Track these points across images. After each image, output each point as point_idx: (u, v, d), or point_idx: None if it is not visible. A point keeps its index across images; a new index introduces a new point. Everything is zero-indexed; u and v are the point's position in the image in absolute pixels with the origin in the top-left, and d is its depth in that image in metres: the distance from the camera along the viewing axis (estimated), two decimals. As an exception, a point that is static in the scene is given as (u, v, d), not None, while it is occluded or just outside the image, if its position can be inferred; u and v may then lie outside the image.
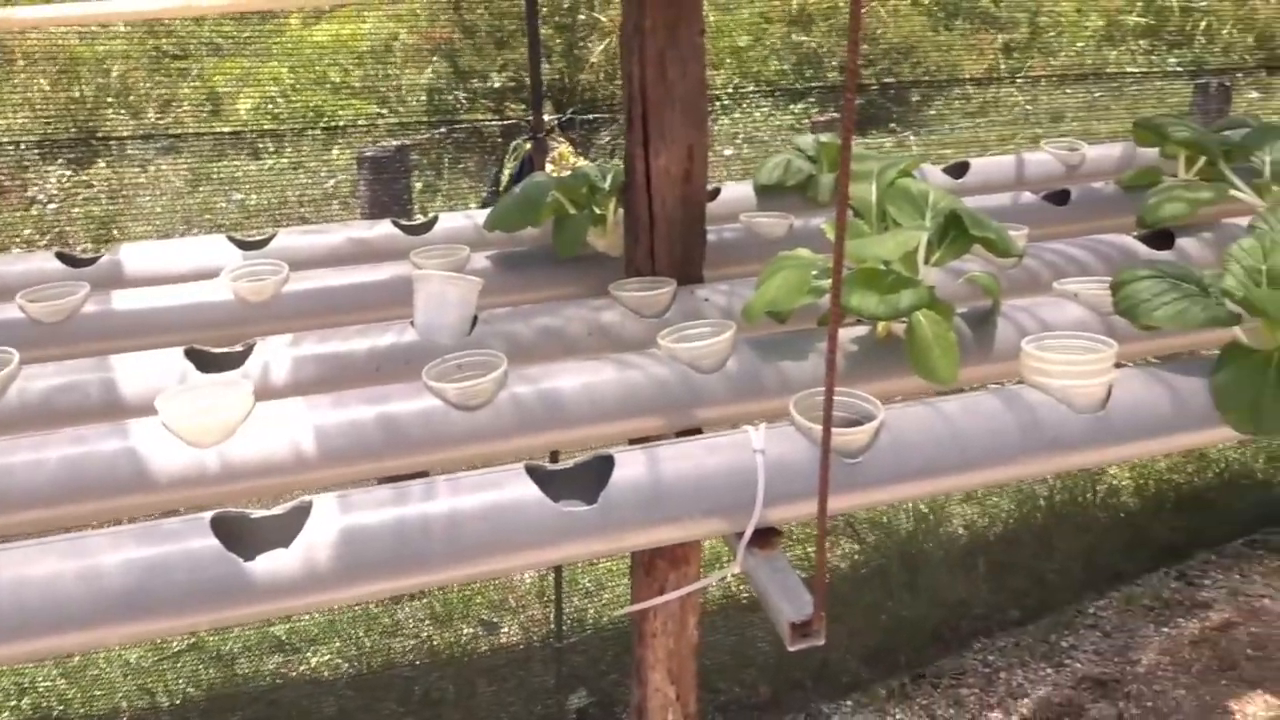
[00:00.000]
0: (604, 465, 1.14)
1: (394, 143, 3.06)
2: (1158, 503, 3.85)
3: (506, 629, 3.44)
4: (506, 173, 2.75)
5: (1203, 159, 2.08)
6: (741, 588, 3.64)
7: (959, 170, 2.43)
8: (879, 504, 1.17)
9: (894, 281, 1.30)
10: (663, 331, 1.45)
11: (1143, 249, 1.83)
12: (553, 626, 3.19)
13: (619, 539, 1.13)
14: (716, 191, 2.28)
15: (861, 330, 1.47)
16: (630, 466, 1.14)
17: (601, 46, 6.57)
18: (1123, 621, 3.39)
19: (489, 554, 1.07)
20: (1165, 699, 3.05)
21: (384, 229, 2.08)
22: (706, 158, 1.68)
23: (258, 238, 2.01)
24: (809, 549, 3.70)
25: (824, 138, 2.34)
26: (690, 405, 1.39)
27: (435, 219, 2.12)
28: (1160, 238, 1.87)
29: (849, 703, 3.19)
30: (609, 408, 1.35)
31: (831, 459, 1.16)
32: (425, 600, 3.45)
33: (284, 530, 1.04)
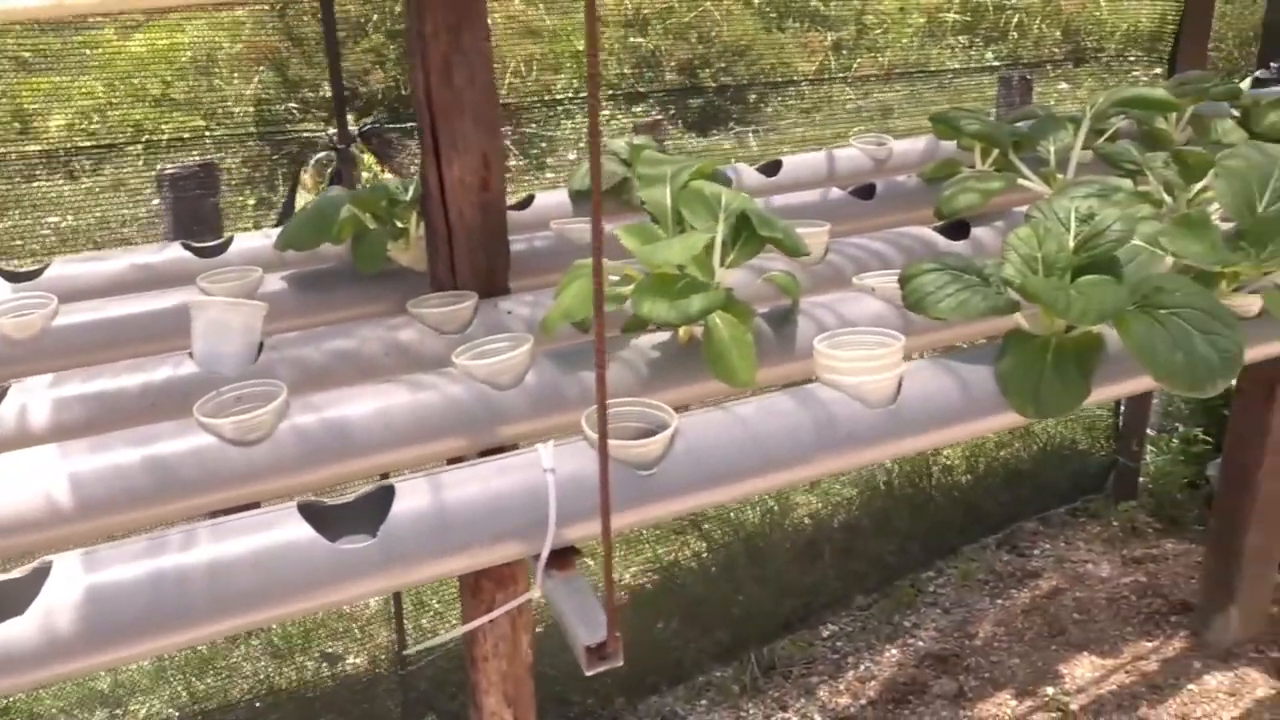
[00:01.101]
0: (384, 496, 1.08)
1: (197, 159, 2.90)
2: (989, 478, 4.02)
3: (352, 658, 3.31)
4: (306, 188, 2.63)
5: (996, 150, 2.16)
6: (595, 592, 3.61)
7: (772, 169, 2.45)
8: (677, 514, 1.15)
9: (685, 286, 1.28)
10: (459, 349, 1.39)
11: (941, 240, 1.88)
12: (399, 652, 3.08)
13: (405, 574, 1.07)
14: (530, 199, 2.23)
15: (663, 336, 1.45)
16: (412, 496, 1.08)
17: None
18: (960, 597, 3.51)
19: (259, 603, 1.00)
20: (1001, 668, 3.17)
21: (173, 252, 1.95)
22: (503, 165, 1.63)
23: (29, 269, 1.86)
24: (658, 550, 3.71)
25: (637, 140, 2.33)
26: (490, 424, 1.34)
27: (230, 240, 2.01)
28: (956, 228, 1.93)
29: (704, 702, 3.20)
30: (403, 432, 1.29)
31: (625, 472, 1.13)
32: (264, 636, 3.29)
33: (19, 596, 0.94)
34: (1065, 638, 3.27)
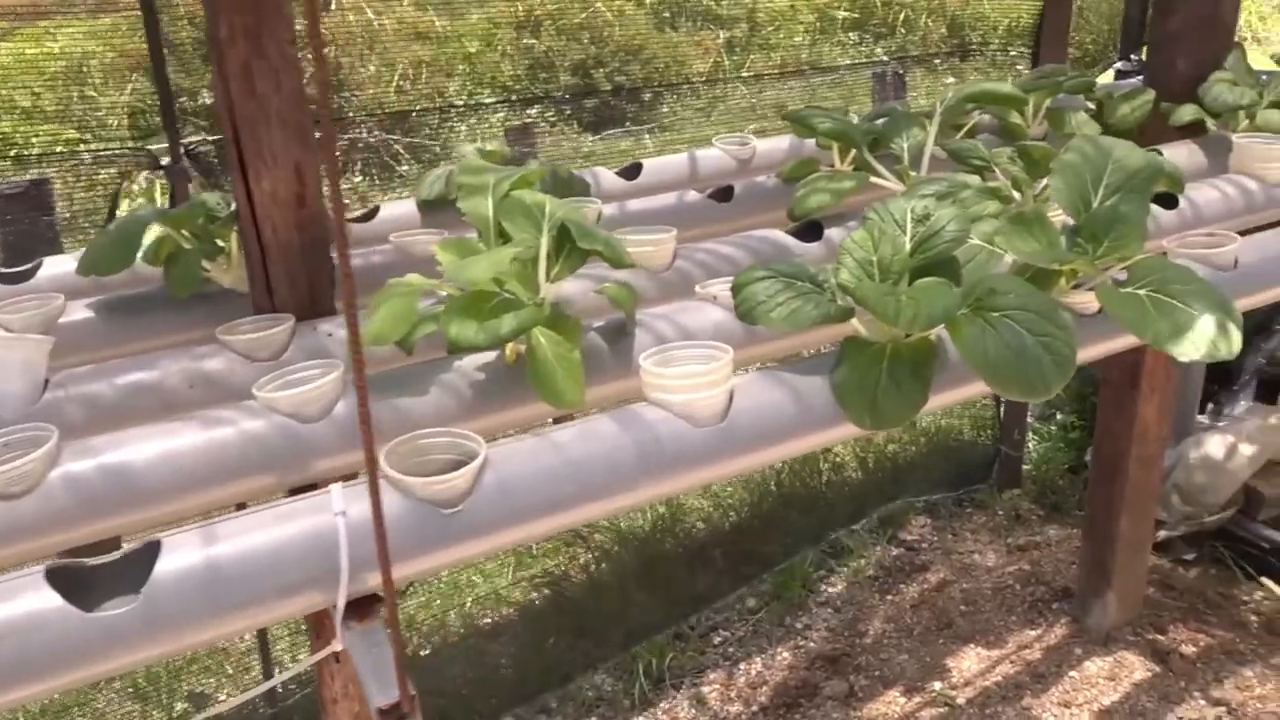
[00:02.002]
0: (149, 553, 0.97)
1: (27, 176, 2.70)
2: (878, 473, 4.03)
3: (223, 696, 3.14)
4: (128, 207, 2.47)
5: (853, 148, 2.12)
6: (483, 610, 3.51)
7: (632, 172, 2.38)
8: (488, 553, 1.06)
9: (498, 305, 1.20)
10: (262, 379, 1.28)
11: (793, 242, 1.84)
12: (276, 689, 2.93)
13: (175, 640, 0.96)
14: (375, 211, 2.12)
15: (490, 355, 1.36)
16: (180, 551, 0.97)
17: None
18: (851, 594, 3.50)
19: (-3, 684, 0.88)
20: (891, 666, 3.16)
21: (-27, 280, 1.79)
22: (320, 178, 1.52)
23: None
24: (547, 563, 3.62)
25: (488, 146, 2.24)
26: (297, 460, 1.24)
27: (39, 264, 1.85)
28: (809, 230, 1.88)
29: (593, 718, 3.12)
30: (195, 475, 1.18)
31: (426, 511, 1.04)
32: (127, 678, 3.10)
33: None
34: (953, 630, 3.28)
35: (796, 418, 1.26)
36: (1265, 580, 3.27)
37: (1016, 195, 1.81)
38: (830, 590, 3.54)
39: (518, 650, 3.37)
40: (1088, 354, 1.49)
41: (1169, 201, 1.94)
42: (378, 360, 1.41)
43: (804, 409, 1.26)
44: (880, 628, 3.34)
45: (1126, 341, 1.49)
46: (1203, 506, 3.35)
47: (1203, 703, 2.88)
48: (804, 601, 3.49)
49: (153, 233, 1.72)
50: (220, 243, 1.69)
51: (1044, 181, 1.79)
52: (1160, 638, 3.11)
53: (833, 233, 1.86)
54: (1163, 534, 3.41)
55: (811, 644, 3.30)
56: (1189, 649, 3.06)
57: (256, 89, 1.42)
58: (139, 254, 1.65)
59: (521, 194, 1.36)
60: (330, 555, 1.02)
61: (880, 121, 2.26)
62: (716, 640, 3.37)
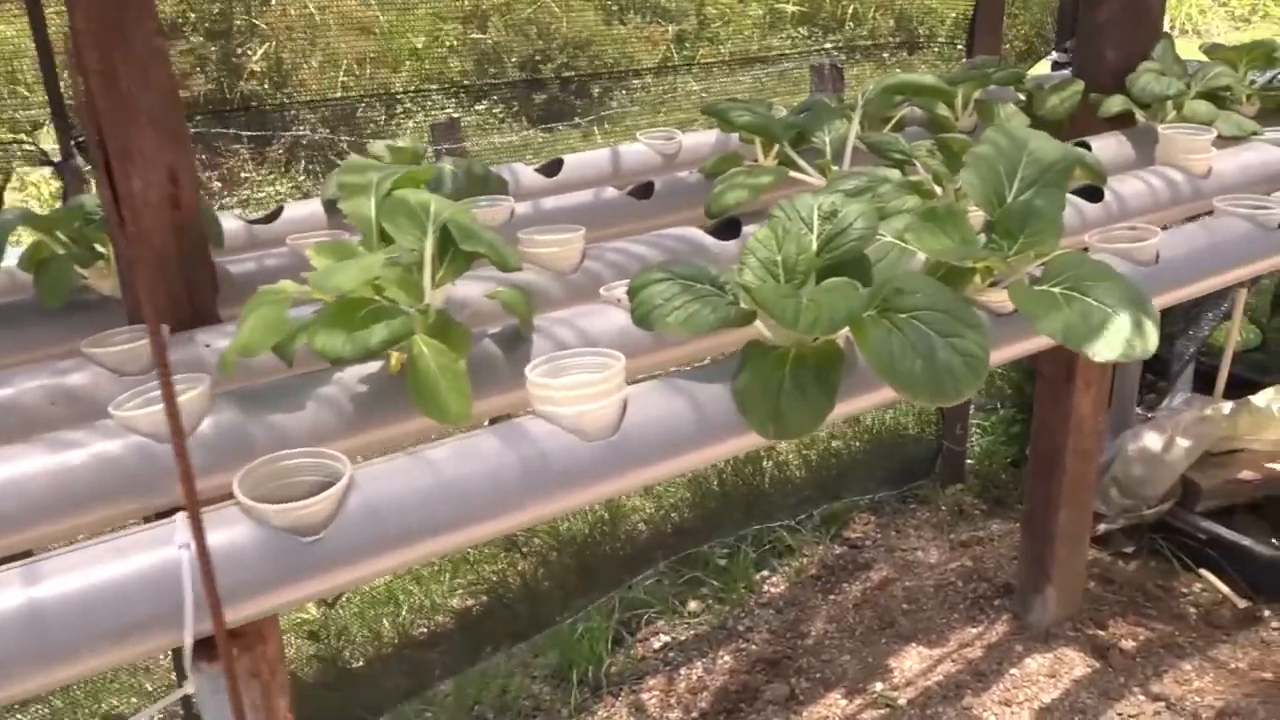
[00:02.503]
0: (-35, 597, 0.88)
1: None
2: (821, 470, 3.98)
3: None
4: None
5: (776, 143, 2.06)
6: (418, 619, 3.41)
7: (553, 168, 2.31)
8: (354, 584, 0.98)
9: (370, 313, 1.12)
10: (120, 396, 1.19)
11: (710, 240, 1.77)
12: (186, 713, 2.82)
13: (-5, 690, 0.87)
14: (278, 211, 2.03)
15: (374, 366, 1.28)
16: (1, 592, 0.88)
17: (261, 52, 6.10)
18: (794, 595, 3.45)
19: None
20: (832, 667, 3.11)
21: None
22: (195, 178, 1.42)
23: None
24: (485, 569, 3.53)
25: (400, 143, 2.15)
26: (159, 484, 1.15)
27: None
28: (727, 227, 1.82)
29: (530, 730, 3.04)
30: (43, 504, 1.09)
31: (284, 540, 0.96)
32: (41, 700, 2.97)
33: None
34: (895, 630, 3.24)
35: (695, 428, 1.19)
36: (1203, 572, 3.26)
37: (938, 189, 1.75)
38: (773, 591, 3.49)
39: (454, 660, 3.28)
40: (1005, 354, 1.44)
41: (1094, 194, 1.90)
42: (257, 372, 1.32)
43: (703, 419, 1.20)
44: (822, 628, 3.29)
45: (1044, 340, 1.44)
46: (1141, 499, 3.34)
47: (1142, 698, 2.86)
48: (746, 603, 3.43)
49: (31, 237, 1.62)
50: (99, 248, 1.59)
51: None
52: (1100, 633, 3.09)
53: (751, 230, 1.79)
54: (1102, 527, 3.39)
55: (753, 646, 3.24)
56: (1129, 644, 3.05)
57: (120, 84, 1.32)
58: (13, 259, 1.55)
59: (405, 193, 1.27)
60: (175, 592, 0.93)
61: (802, 115, 2.20)
62: (657, 645, 3.30)
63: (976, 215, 1.54)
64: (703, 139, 2.47)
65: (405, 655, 3.30)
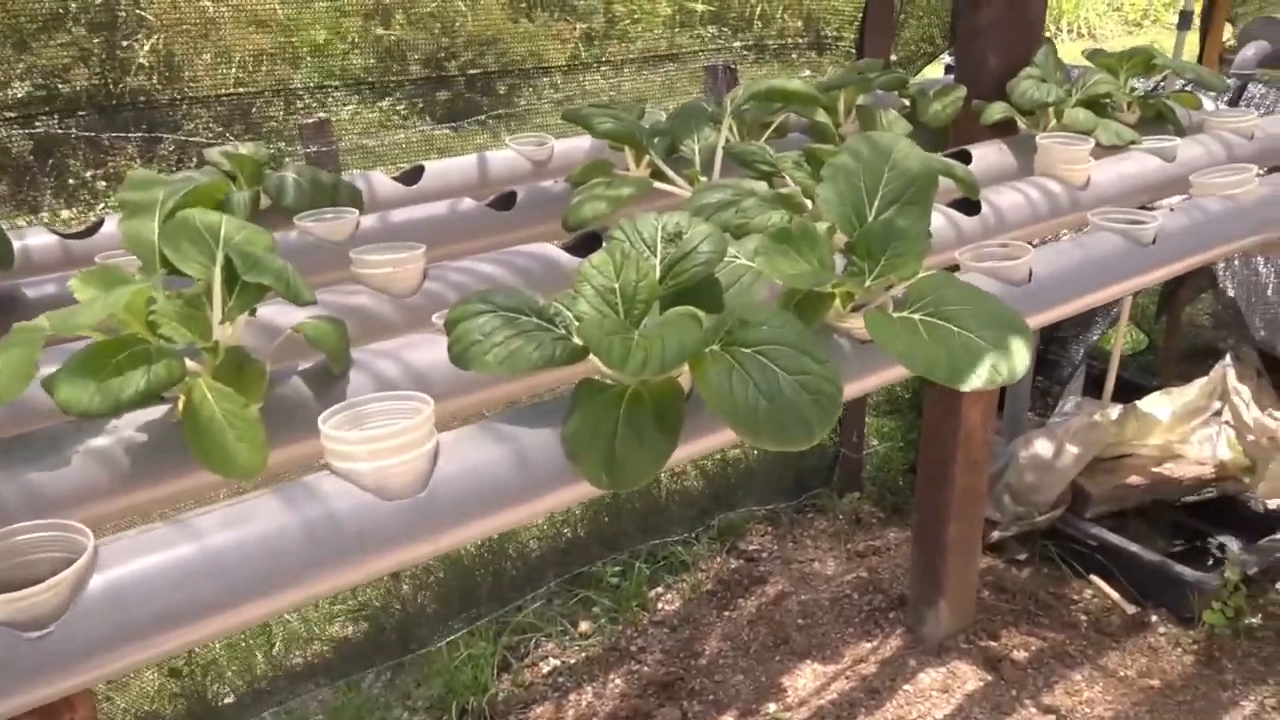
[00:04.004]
0: None
1: None
2: (718, 482, 3.89)
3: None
4: None
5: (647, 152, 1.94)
6: (294, 649, 3.22)
7: (412, 176, 2.15)
8: (90, 684, 0.83)
9: (129, 357, 0.96)
10: None
11: (565, 258, 1.64)
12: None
13: None
14: (97, 225, 1.84)
15: (158, 410, 1.12)
16: None
17: (149, 45, 5.79)
18: (688, 612, 3.36)
19: None
20: (726, 688, 3.02)
21: None
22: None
23: None
24: (367, 593, 3.35)
25: (243, 149, 1.97)
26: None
27: None
28: (587, 242, 1.69)
29: (409, 768, 2.88)
30: None
31: (7, 636, 0.80)
32: None
33: None
34: (789, 646, 3.17)
35: (518, 479, 1.06)
36: (1093, 578, 3.26)
37: (808, 202, 1.65)
38: (667, 608, 3.38)
39: (330, 693, 3.11)
40: (869, 383, 1.34)
41: (972, 207, 1.82)
42: (27, 417, 1.15)
43: (527, 468, 1.07)
44: (716, 647, 3.20)
45: (897, 371, 1.34)
46: (1033, 506, 3.32)
47: (1033, 710, 2.83)
48: (639, 622, 3.32)
49: None
50: None
51: (836, 187, 1.64)
52: (993, 644, 3.06)
53: (612, 246, 1.67)
54: (996, 534, 3.37)
55: (646, 668, 3.13)
56: (1020, 654, 3.02)
57: None
58: None
59: (190, 214, 1.12)
60: None
61: (675, 121, 2.09)
62: (546, 669, 3.17)
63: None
64: (576, 145, 2.34)
65: (279, 688, 3.11)
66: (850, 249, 1.28)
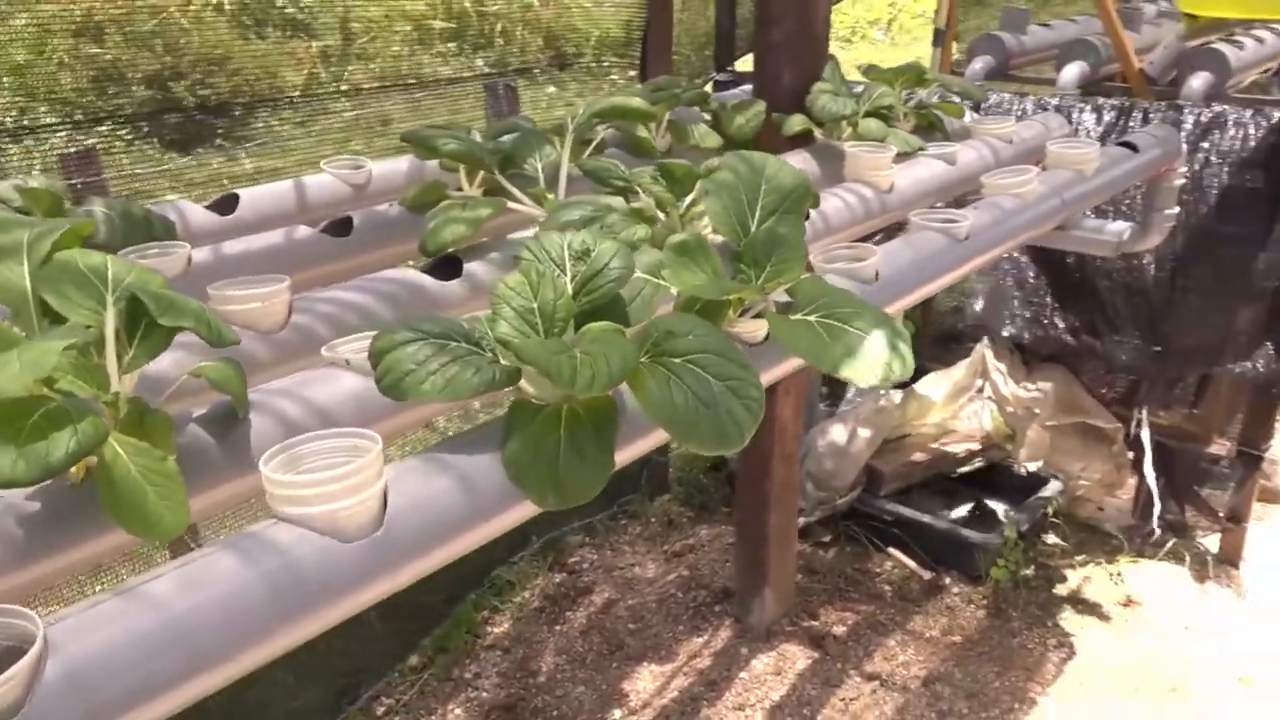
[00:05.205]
0: None
1: None
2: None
3: None
4: None
5: (482, 170, 1.93)
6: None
7: (227, 205, 2.02)
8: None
9: (45, 417, 0.87)
10: None
11: (430, 282, 1.61)
12: None
13: None
14: None
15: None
16: None
17: None
18: (520, 632, 3.34)
19: None
20: (568, 702, 3.03)
21: None
22: None
23: None
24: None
25: (33, 183, 1.78)
26: None
27: None
28: (446, 266, 1.66)
29: (245, 836, 2.69)
30: None
31: (-45, 743, 0.70)
32: None
33: None
34: (625, 652, 3.22)
35: (467, 507, 1.05)
36: (892, 550, 3.53)
37: (661, 216, 1.71)
38: (497, 631, 3.35)
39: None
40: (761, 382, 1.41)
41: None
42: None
43: (475, 496, 1.05)
44: (553, 662, 3.20)
45: (794, 365, 1.43)
46: (833, 490, 3.56)
47: (858, 679, 3.03)
48: (471, 648, 3.27)
49: None
50: None
51: (687, 200, 1.71)
52: (814, 623, 3.25)
53: (474, 268, 1.66)
54: (802, 521, 3.58)
55: (484, 694, 3.09)
56: (840, 629, 3.23)
57: None
58: None
59: (71, 256, 1.01)
60: None
61: (507, 139, 2.09)
62: (380, 711, 3.06)
63: (713, 241, 1.50)
64: (395, 167, 2.28)
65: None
66: (738, 258, 1.35)
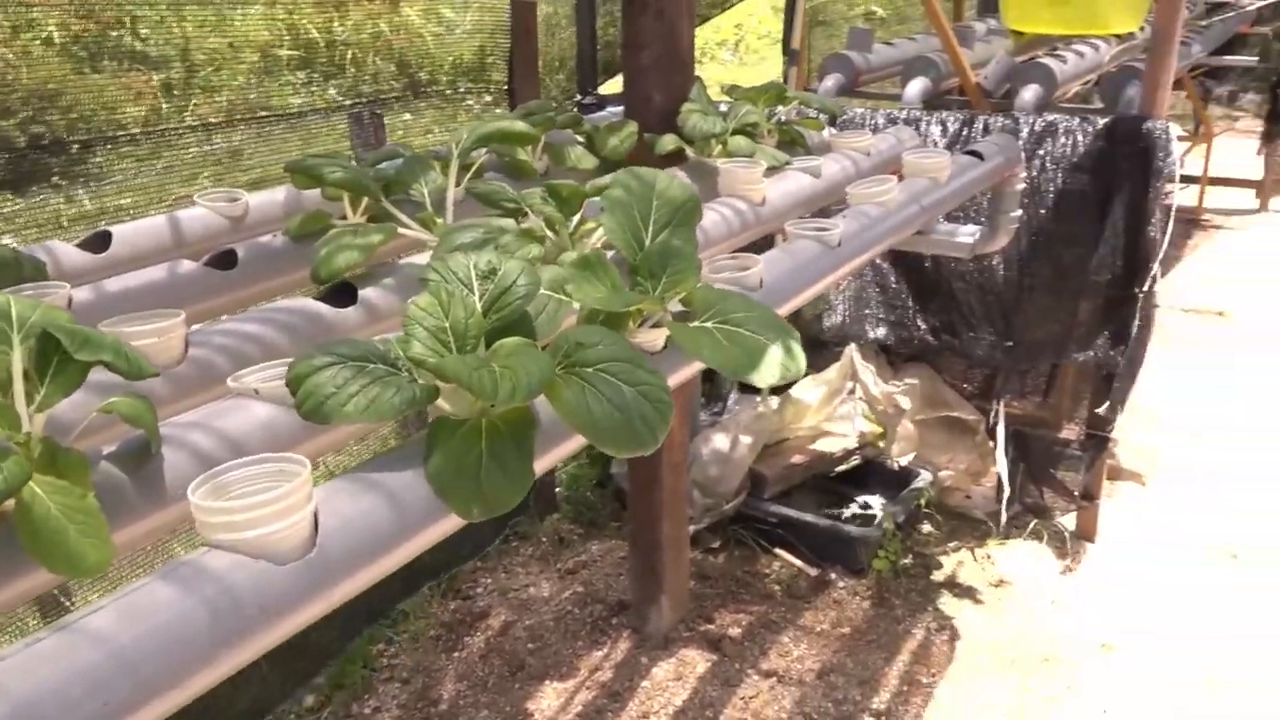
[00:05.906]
0: None
1: None
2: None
3: None
4: None
5: (367, 198, 1.94)
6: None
7: (99, 243, 1.97)
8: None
9: (-36, 460, 0.86)
10: None
11: (327, 310, 1.61)
12: None
13: None
14: None
15: (-43, 522, 0.98)
16: None
17: None
18: (417, 661, 3.30)
19: None
20: (473, 727, 3.02)
21: None
22: None
23: None
24: None
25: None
26: None
27: None
28: (341, 293, 1.67)
29: None
30: None
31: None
32: None
33: None
34: (526, 672, 3.23)
35: (396, 524, 1.07)
36: (779, 551, 3.65)
37: (551, 235, 1.76)
38: (394, 663, 3.31)
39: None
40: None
41: (681, 227, 2.02)
42: None
43: (402, 512, 1.07)
44: (454, 689, 3.18)
45: (694, 369, 1.50)
46: (720, 496, 3.66)
47: (756, 678, 3.12)
48: (369, 682, 3.22)
49: None
50: None
51: (575, 219, 1.76)
52: (710, 627, 3.33)
53: (368, 294, 1.67)
54: (691, 528, 3.66)
55: (386, 728, 3.04)
56: (735, 631, 3.32)
57: None
58: None
59: (-31, 296, 1.00)
60: None
61: (388, 165, 2.11)
62: (278, 755, 2.98)
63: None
64: (271, 198, 2.26)
65: None
66: (634, 271, 1.41)
